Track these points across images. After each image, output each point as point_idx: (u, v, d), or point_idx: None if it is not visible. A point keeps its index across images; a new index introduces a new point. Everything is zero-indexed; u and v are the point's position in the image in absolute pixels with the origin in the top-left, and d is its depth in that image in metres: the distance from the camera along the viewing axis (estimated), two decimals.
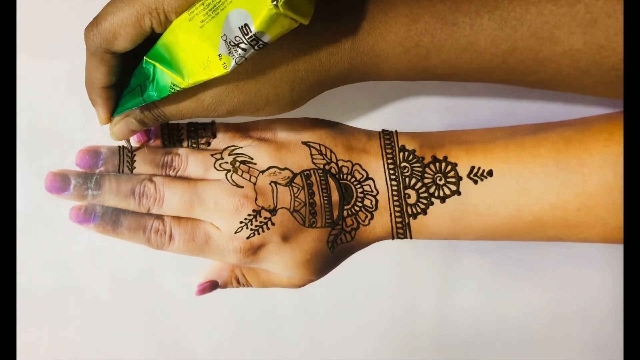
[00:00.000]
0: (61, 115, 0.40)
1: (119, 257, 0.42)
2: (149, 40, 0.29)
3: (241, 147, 0.33)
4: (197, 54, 0.27)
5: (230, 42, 0.26)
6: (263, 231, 0.32)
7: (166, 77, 0.28)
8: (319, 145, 0.34)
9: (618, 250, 0.43)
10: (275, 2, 0.24)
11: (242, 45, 0.26)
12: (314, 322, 0.46)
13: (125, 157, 0.33)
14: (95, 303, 0.43)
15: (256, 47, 0.26)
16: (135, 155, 0.33)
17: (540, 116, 0.38)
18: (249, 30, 0.25)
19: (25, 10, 0.37)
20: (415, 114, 0.41)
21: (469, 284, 0.45)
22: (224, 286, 0.36)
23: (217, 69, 0.27)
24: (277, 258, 0.33)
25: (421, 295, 0.45)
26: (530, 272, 0.45)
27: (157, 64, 0.28)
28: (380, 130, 0.35)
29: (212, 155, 0.33)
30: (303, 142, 0.33)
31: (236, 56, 0.26)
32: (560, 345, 0.46)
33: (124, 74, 0.30)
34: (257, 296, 0.44)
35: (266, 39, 0.25)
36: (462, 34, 0.28)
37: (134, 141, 0.34)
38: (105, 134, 0.33)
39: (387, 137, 0.34)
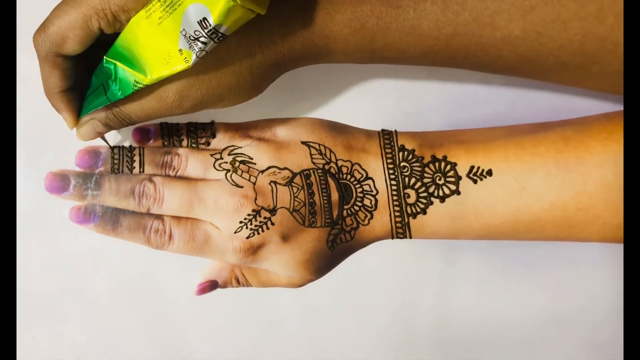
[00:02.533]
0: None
1: (119, 257, 0.42)
2: (102, 41, 0.29)
3: (241, 147, 0.33)
4: (157, 50, 0.27)
5: (190, 37, 0.26)
6: (263, 231, 0.32)
7: (128, 75, 0.28)
8: (319, 145, 0.34)
9: (618, 250, 0.43)
10: None
11: (202, 39, 0.26)
12: (314, 322, 0.46)
13: (124, 157, 0.33)
14: (95, 303, 0.43)
15: (216, 40, 0.26)
16: (135, 155, 0.33)
17: (540, 116, 0.38)
18: (207, 24, 0.25)
19: (25, 10, 0.37)
20: (415, 114, 0.41)
21: (468, 283, 0.45)
22: (224, 286, 0.36)
23: (179, 64, 0.27)
24: (277, 258, 0.33)
25: (421, 295, 0.45)
26: (530, 272, 0.45)
27: (118, 63, 0.28)
28: (379, 130, 0.35)
29: (211, 155, 0.33)
30: (302, 142, 0.33)
31: (197, 50, 0.26)
32: (560, 345, 0.46)
33: (80, 75, 0.30)
34: (257, 296, 0.44)
35: (224, 30, 0.26)
36: (406, 17, 0.29)
37: (134, 142, 0.34)
38: (104, 135, 0.33)
39: (387, 137, 0.34)
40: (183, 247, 0.32)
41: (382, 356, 0.47)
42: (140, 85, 0.28)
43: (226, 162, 0.33)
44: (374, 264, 0.44)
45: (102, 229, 0.33)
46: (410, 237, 0.34)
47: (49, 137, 0.38)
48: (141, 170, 0.33)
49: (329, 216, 0.33)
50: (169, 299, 0.44)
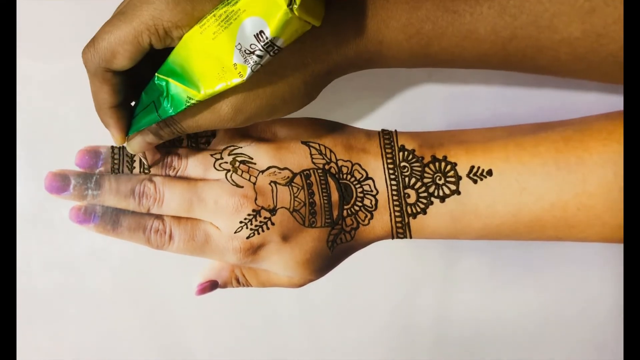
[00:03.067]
0: (61, 115, 0.40)
1: (119, 257, 0.42)
2: (149, 56, 0.29)
3: (241, 147, 0.33)
4: (211, 65, 0.27)
5: (245, 51, 0.26)
6: (263, 231, 0.32)
7: (180, 92, 0.28)
8: (319, 145, 0.34)
9: (618, 250, 0.43)
10: (290, 7, 0.24)
11: (258, 53, 0.26)
12: (314, 322, 0.46)
13: (124, 157, 0.33)
14: (95, 303, 0.43)
15: (271, 53, 0.26)
16: (135, 155, 0.33)
17: (540, 116, 0.38)
18: (264, 36, 0.25)
19: (25, 11, 0.37)
20: (415, 114, 0.41)
21: (468, 283, 0.45)
22: (224, 286, 0.36)
23: (233, 78, 0.27)
24: (277, 258, 0.33)
25: (421, 295, 0.45)
26: (530, 272, 0.45)
27: (170, 80, 0.28)
28: (379, 130, 0.35)
29: (211, 155, 0.33)
30: (303, 142, 0.33)
31: (252, 63, 0.26)
32: (560, 345, 0.46)
33: (130, 90, 0.30)
34: (257, 296, 0.44)
35: (280, 43, 0.26)
36: (463, 22, 0.29)
37: None
38: (105, 135, 0.33)
39: (387, 137, 0.34)
40: (183, 247, 0.32)
41: (382, 356, 0.47)
42: (193, 101, 0.28)
43: (226, 162, 0.33)
44: (374, 264, 0.44)
45: (102, 229, 0.33)
46: (411, 237, 0.34)
47: (49, 137, 0.38)
48: (141, 170, 0.33)
49: (329, 216, 0.33)
50: (169, 298, 0.44)
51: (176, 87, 0.28)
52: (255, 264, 0.33)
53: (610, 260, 0.44)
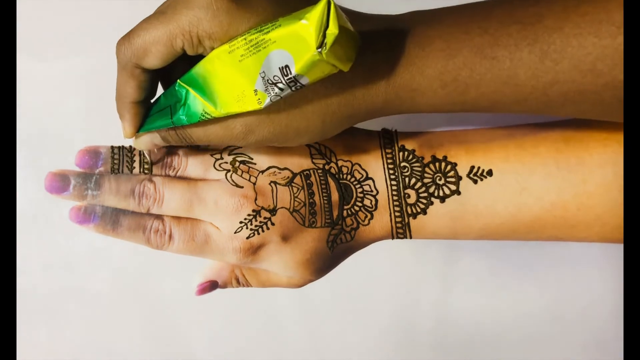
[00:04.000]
0: (61, 115, 0.40)
1: (118, 257, 0.42)
2: (181, 60, 0.29)
3: (241, 147, 0.33)
4: (233, 86, 0.27)
5: (268, 80, 0.26)
6: (263, 231, 0.32)
7: (198, 104, 0.28)
8: (319, 145, 0.34)
9: (618, 250, 0.43)
10: (319, 50, 0.24)
11: (280, 85, 0.26)
12: (314, 322, 0.46)
13: (124, 157, 0.33)
14: (95, 303, 0.43)
15: (293, 88, 0.26)
16: (135, 155, 0.33)
17: (540, 116, 0.38)
18: (289, 71, 0.25)
19: (25, 10, 0.37)
20: (415, 114, 0.41)
21: (468, 283, 0.45)
22: (224, 286, 0.36)
23: (251, 104, 0.27)
24: (277, 258, 0.33)
25: (421, 295, 0.45)
26: (530, 272, 0.45)
27: (190, 89, 0.28)
28: (380, 130, 0.35)
29: (211, 155, 0.33)
30: None
31: (272, 94, 0.26)
32: (560, 345, 0.46)
33: (154, 91, 0.30)
34: (257, 296, 0.44)
35: (305, 81, 0.26)
36: (502, 68, 0.28)
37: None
38: (105, 135, 0.33)
39: (387, 137, 0.34)
40: (183, 247, 0.32)
41: (382, 356, 0.47)
42: (208, 116, 0.28)
43: (226, 162, 0.33)
44: (374, 264, 0.44)
45: (102, 229, 0.33)
46: (411, 238, 0.34)
47: (49, 137, 0.38)
48: (141, 170, 0.33)
49: (329, 216, 0.33)
50: (169, 299, 0.44)
51: (195, 98, 0.28)
52: (255, 264, 0.33)
53: (610, 261, 0.44)
